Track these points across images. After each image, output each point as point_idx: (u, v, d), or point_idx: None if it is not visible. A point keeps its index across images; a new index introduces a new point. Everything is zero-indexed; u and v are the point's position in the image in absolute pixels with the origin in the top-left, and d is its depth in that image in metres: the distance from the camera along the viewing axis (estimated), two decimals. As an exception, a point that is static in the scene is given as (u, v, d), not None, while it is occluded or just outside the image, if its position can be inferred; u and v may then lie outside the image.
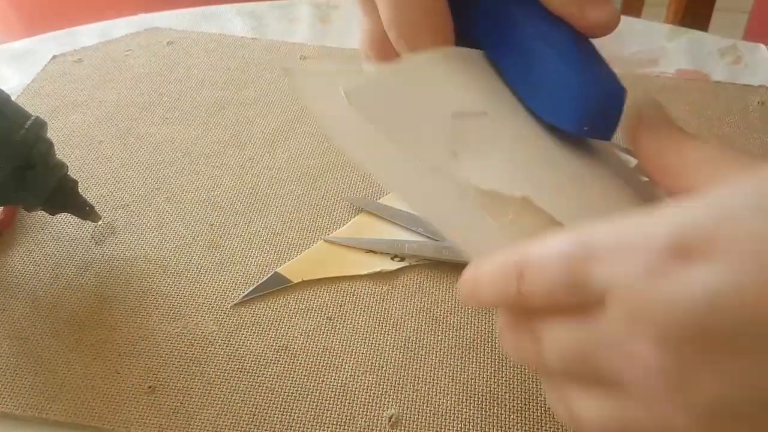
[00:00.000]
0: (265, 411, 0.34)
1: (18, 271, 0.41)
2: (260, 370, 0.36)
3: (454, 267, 0.40)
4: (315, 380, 0.35)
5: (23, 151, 0.37)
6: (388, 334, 0.37)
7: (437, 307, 0.39)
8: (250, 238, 0.43)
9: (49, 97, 0.54)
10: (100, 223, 0.42)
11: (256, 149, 0.49)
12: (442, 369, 0.36)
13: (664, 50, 0.59)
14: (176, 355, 0.36)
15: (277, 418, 0.34)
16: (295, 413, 0.34)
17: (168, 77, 0.56)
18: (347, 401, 0.34)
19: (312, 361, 0.36)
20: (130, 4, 0.67)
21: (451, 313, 0.38)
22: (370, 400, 0.34)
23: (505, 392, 0.35)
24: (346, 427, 0.33)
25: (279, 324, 0.38)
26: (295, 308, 0.39)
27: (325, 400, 0.34)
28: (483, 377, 0.35)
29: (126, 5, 0.67)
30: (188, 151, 0.49)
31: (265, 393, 0.35)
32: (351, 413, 0.34)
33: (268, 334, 0.37)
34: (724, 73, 0.57)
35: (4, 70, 0.57)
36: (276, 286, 0.40)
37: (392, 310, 0.39)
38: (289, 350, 0.37)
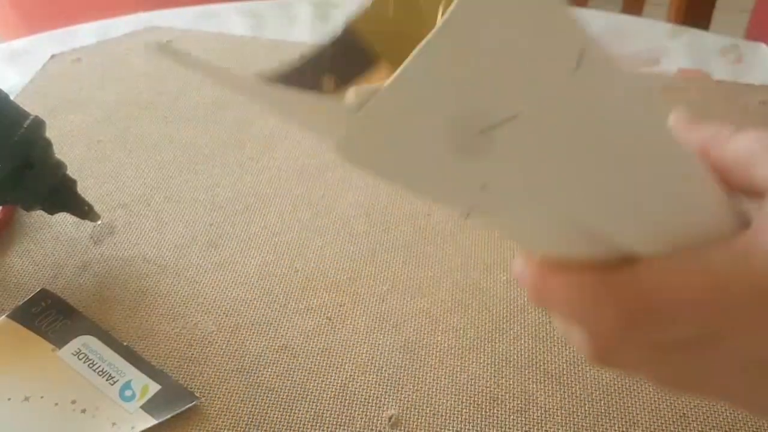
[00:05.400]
0: (264, 411, 0.34)
1: (17, 270, 0.41)
2: (260, 370, 0.36)
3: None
4: (315, 380, 0.35)
5: (22, 151, 0.37)
6: (388, 334, 0.37)
7: (437, 307, 0.38)
8: (249, 238, 0.43)
9: (48, 97, 0.54)
10: (99, 222, 0.42)
11: (255, 149, 0.49)
12: (442, 369, 0.36)
13: (666, 49, 0.59)
14: (175, 355, 0.36)
15: (277, 418, 0.34)
16: (294, 413, 0.34)
17: (167, 76, 0.56)
18: (347, 401, 0.34)
19: (312, 361, 0.36)
20: (129, 3, 0.67)
21: (451, 314, 0.38)
22: (370, 401, 0.34)
23: (504, 393, 0.35)
24: (345, 428, 0.33)
25: (278, 324, 0.38)
26: (295, 308, 0.39)
27: (325, 400, 0.34)
28: (483, 378, 0.35)
29: (125, 4, 0.66)
30: (187, 151, 0.49)
31: (264, 393, 0.35)
32: (351, 413, 0.34)
33: (267, 333, 0.37)
34: (725, 72, 0.56)
35: (3, 69, 0.57)
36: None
37: (392, 310, 0.38)
38: (288, 350, 0.36)
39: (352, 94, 0.15)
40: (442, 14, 0.15)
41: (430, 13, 0.21)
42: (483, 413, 0.34)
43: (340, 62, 0.21)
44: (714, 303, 0.21)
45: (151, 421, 0.33)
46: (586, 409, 0.34)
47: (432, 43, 0.15)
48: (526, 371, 0.35)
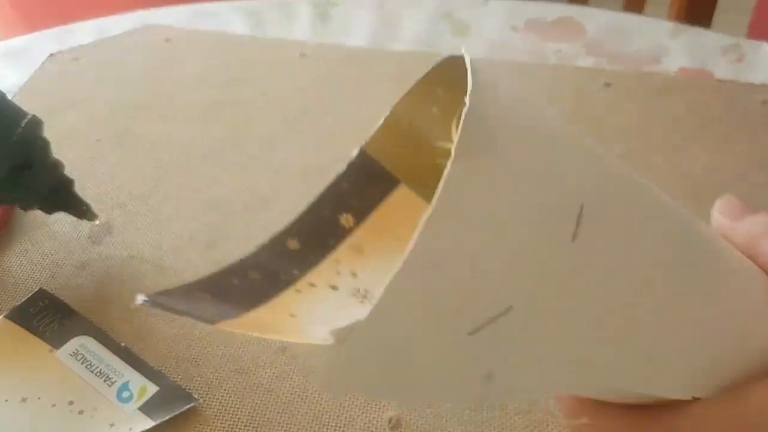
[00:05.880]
0: (263, 412, 0.34)
1: (15, 270, 0.40)
2: (258, 372, 0.35)
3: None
4: (314, 382, 0.35)
5: (20, 150, 0.37)
6: (388, 335, 0.37)
7: (438, 307, 0.38)
8: (247, 238, 0.42)
9: (46, 96, 0.53)
10: (97, 222, 0.42)
11: (254, 148, 0.49)
12: (443, 370, 0.35)
13: (667, 48, 0.59)
14: (173, 356, 0.36)
15: (276, 419, 0.33)
16: (293, 415, 0.34)
17: (165, 75, 0.56)
18: (347, 403, 0.34)
19: (311, 363, 0.36)
20: (128, 2, 0.67)
21: (451, 314, 0.38)
22: (370, 402, 0.34)
23: (506, 394, 0.34)
24: (345, 429, 0.33)
25: (278, 324, 0.37)
26: (294, 309, 0.38)
27: (324, 401, 0.34)
28: (484, 379, 0.35)
29: (124, 2, 0.66)
30: (186, 150, 0.49)
31: (263, 394, 0.34)
32: (350, 415, 0.34)
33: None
34: (726, 72, 0.56)
35: (1, 67, 0.57)
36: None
37: (392, 310, 0.38)
38: (287, 351, 0.36)
39: (329, 335, 0.14)
40: (457, 129, 0.14)
41: (445, 124, 0.18)
42: (484, 415, 0.33)
43: (358, 191, 0.20)
44: None
45: (149, 423, 0.32)
46: (588, 410, 0.34)
47: (402, 274, 0.13)
48: (527, 372, 0.35)
